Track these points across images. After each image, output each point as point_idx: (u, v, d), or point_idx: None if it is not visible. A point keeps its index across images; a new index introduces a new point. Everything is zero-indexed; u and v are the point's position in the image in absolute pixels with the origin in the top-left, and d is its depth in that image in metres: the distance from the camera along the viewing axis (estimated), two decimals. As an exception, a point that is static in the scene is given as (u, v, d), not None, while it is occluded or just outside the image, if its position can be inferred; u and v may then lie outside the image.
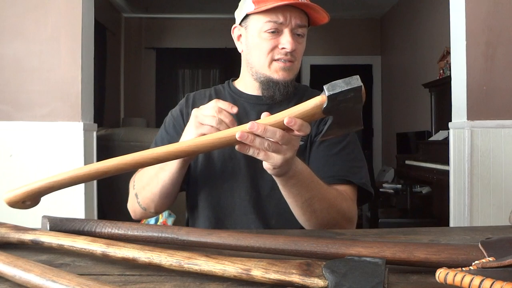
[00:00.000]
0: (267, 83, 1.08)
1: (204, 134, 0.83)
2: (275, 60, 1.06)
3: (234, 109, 0.86)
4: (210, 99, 1.17)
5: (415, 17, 4.93)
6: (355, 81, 0.69)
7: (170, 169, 0.97)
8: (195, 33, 6.00)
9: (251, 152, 0.75)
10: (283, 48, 1.04)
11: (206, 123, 0.85)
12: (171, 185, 1.01)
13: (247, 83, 1.16)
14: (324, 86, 0.71)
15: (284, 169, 0.81)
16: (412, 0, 5.02)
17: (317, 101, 0.73)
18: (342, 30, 6.13)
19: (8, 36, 2.11)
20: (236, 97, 1.17)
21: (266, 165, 0.80)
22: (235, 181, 1.08)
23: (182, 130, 1.14)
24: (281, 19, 1.03)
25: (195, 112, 0.89)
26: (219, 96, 1.19)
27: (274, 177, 0.86)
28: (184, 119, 1.16)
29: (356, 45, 6.15)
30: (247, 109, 1.14)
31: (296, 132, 0.73)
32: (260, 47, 1.06)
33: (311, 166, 1.00)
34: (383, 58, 6.18)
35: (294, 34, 1.05)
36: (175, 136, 1.14)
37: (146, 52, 6.14)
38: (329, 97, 0.70)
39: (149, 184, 1.04)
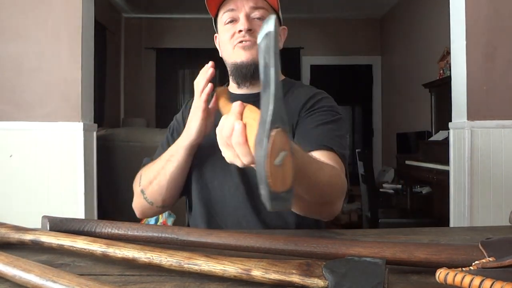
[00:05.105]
0: (235, 70, 1.12)
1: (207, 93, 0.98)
2: (235, 45, 1.10)
3: (210, 71, 0.98)
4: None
5: (415, 17, 4.93)
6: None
7: (177, 159, 1.03)
8: (195, 33, 6.00)
9: None
10: (240, 31, 1.09)
11: (201, 81, 0.99)
12: (179, 175, 1.05)
13: (231, 83, 1.19)
14: None
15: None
16: (412, 0, 5.02)
17: None
18: (342, 30, 6.13)
19: (8, 36, 2.11)
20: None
21: None
22: (225, 177, 1.10)
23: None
24: (232, 6, 1.10)
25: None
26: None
27: None
28: (184, 123, 1.18)
29: (356, 45, 6.15)
30: None
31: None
32: (224, 38, 1.13)
33: (297, 136, 1.02)
34: (383, 58, 6.17)
35: (251, 18, 1.10)
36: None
37: (146, 52, 6.14)
38: None
39: (156, 177, 1.06)
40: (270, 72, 0.54)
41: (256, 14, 1.10)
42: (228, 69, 1.15)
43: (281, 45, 1.19)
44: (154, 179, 1.07)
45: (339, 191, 0.92)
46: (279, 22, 1.18)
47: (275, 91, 0.53)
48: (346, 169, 1.02)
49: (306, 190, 0.79)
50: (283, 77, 1.21)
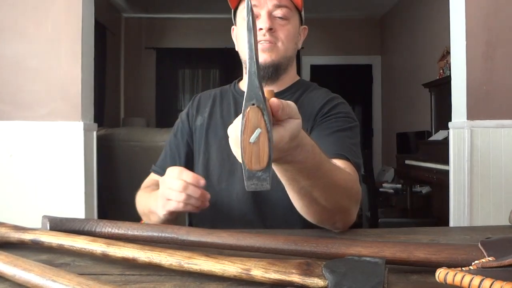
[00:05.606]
0: None
1: (171, 212, 0.84)
2: None
3: (201, 182, 0.83)
4: (214, 100, 1.19)
5: (415, 17, 4.92)
6: None
7: (157, 222, 0.97)
8: (195, 33, 6.00)
9: None
10: (260, 29, 1.04)
11: (173, 198, 0.83)
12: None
13: (245, 81, 1.16)
14: None
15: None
16: (412, 0, 5.02)
17: None
18: (342, 30, 6.13)
19: (8, 36, 2.11)
20: (238, 96, 1.18)
21: None
22: (232, 182, 1.08)
23: (187, 134, 1.17)
24: (254, 1, 1.05)
25: (161, 187, 0.87)
26: (223, 96, 1.20)
27: None
28: (189, 121, 1.18)
29: (356, 45, 6.15)
30: None
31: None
32: (243, 34, 1.08)
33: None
34: (383, 58, 6.17)
35: (272, 17, 1.06)
36: (181, 141, 1.17)
37: (146, 52, 6.14)
38: None
39: (145, 216, 1.07)
40: (246, 48, 0.54)
41: (278, 12, 1.06)
42: (244, 66, 1.12)
43: (299, 45, 1.16)
44: (144, 215, 1.07)
45: (354, 198, 0.88)
46: (300, 21, 1.15)
47: (249, 67, 0.53)
48: (360, 179, 0.98)
49: (322, 191, 0.76)
50: (298, 77, 1.20)
